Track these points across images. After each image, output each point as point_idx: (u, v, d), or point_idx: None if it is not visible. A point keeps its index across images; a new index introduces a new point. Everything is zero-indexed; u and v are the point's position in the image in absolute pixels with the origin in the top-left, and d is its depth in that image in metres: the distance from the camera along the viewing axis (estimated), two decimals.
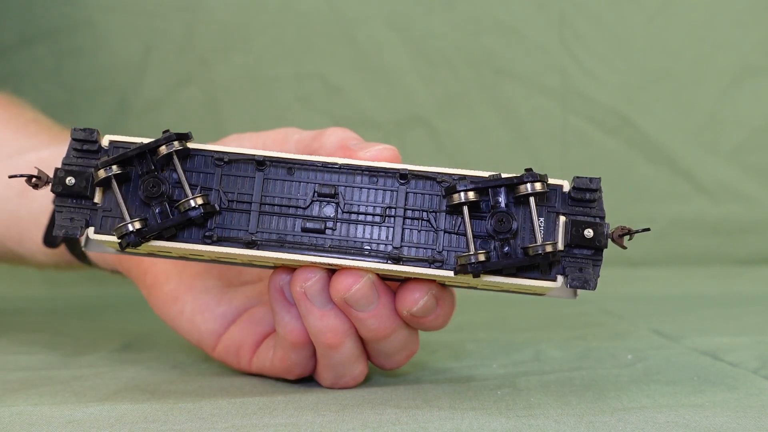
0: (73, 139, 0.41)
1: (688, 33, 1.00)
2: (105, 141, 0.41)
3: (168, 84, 0.97)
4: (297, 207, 0.41)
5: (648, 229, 0.41)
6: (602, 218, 0.40)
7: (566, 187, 0.40)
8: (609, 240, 0.40)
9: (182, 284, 0.50)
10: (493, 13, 0.99)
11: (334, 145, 0.44)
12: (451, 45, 0.99)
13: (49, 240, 0.57)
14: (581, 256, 0.40)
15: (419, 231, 0.41)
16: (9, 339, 0.64)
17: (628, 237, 0.40)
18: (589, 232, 0.40)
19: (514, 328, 0.72)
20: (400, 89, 0.99)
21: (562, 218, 0.40)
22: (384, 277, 0.43)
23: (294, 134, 0.47)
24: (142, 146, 0.40)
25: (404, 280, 0.43)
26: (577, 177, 0.40)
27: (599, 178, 0.40)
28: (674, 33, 1.00)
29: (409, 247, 0.40)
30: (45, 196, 0.51)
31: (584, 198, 0.40)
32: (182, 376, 0.50)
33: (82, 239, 0.43)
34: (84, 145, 0.41)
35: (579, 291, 0.43)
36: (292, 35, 0.98)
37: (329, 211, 0.41)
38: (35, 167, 0.42)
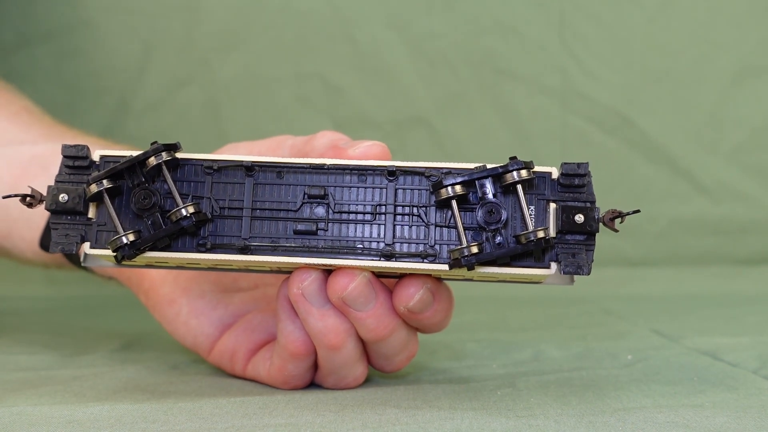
0: (64, 156, 0.41)
1: (688, 33, 1.00)
2: (96, 156, 0.42)
3: (168, 84, 0.97)
4: (288, 210, 0.41)
5: (638, 211, 0.41)
6: (592, 203, 0.40)
7: (555, 174, 0.40)
8: (600, 224, 0.40)
9: (178, 287, 0.50)
10: (493, 13, 0.99)
11: (325, 146, 0.44)
12: (451, 45, 0.99)
13: (47, 245, 0.57)
14: (574, 242, 0.40)
15: (410, 226, 0.41)
16: (9, 339, 0.64)
17: (619, 220, 0.40)
18: (579, 217, 0.40)
19: (514, 328, 0.72)
20: (400, 89, 0.99)
21: (553, 205, 0.40)
22: (380, 275, 0.43)
23: (287, 140, 0.47)
24: (131, 159, 0.40)
25: (400, 277, 0.43)
26: (565, 163, 0.40)
27: (587, 163, 0.40)
28: (674, 33, 1.00)
29: (401, 243, 0.40)
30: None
31: (573, 183, 0.40)
32: (182, 376, 0.50)
33: (81, 255, 0.43)
34: (75, 162, 0.41)
35: (576, 280, 0.43)
36: (292, 35, 0.98)
37: (320, 212, 0.41)
38: (29, 186, 0.42)
